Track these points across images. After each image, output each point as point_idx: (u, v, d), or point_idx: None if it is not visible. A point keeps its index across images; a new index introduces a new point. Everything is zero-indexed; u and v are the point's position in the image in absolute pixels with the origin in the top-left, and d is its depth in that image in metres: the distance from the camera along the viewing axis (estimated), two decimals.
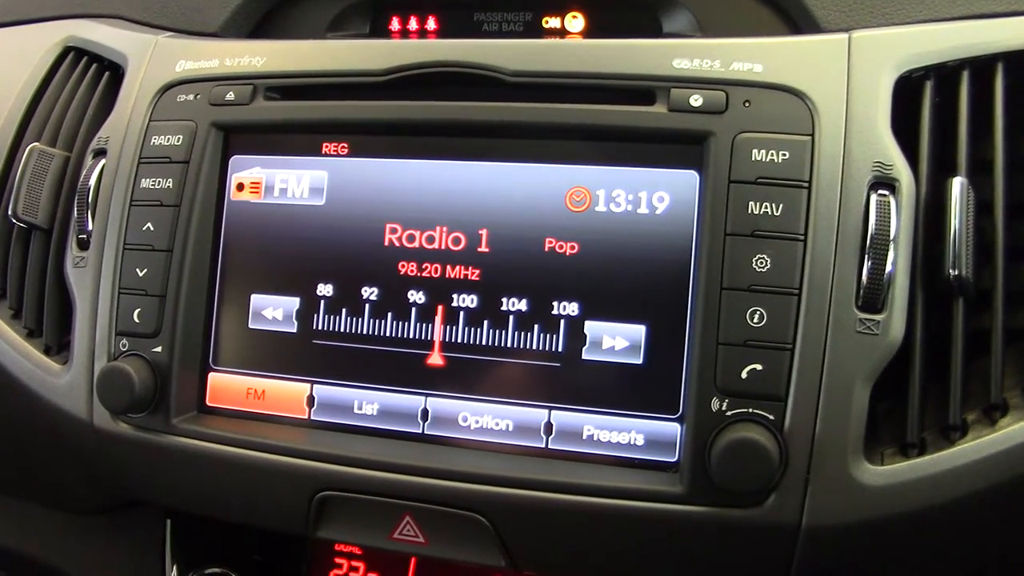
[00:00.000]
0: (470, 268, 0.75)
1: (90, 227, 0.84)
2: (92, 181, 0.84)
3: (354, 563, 0.93)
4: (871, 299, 0.66)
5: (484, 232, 0.75)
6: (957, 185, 0.67)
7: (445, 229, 0.76)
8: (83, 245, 0.85)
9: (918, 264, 0.68)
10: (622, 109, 0.73)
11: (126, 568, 1.00)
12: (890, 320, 0.66)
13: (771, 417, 0.66)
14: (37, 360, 0.86)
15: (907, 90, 0.71)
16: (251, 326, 0.81)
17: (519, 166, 0.75)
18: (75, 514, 1.02)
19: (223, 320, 0.82)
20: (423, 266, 0.77)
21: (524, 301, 0.74)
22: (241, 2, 0.94)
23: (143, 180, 0.82)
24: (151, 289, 0.80)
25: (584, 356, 0.73)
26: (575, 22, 0.91)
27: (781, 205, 0.68)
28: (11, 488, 1.02)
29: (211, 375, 0.82)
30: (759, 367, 0.67)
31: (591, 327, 0.73)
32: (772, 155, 0.69)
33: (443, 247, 0.76)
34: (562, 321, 0.73)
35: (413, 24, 0.94)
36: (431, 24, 0.93)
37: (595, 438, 0.73)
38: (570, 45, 0.79)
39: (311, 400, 0.80)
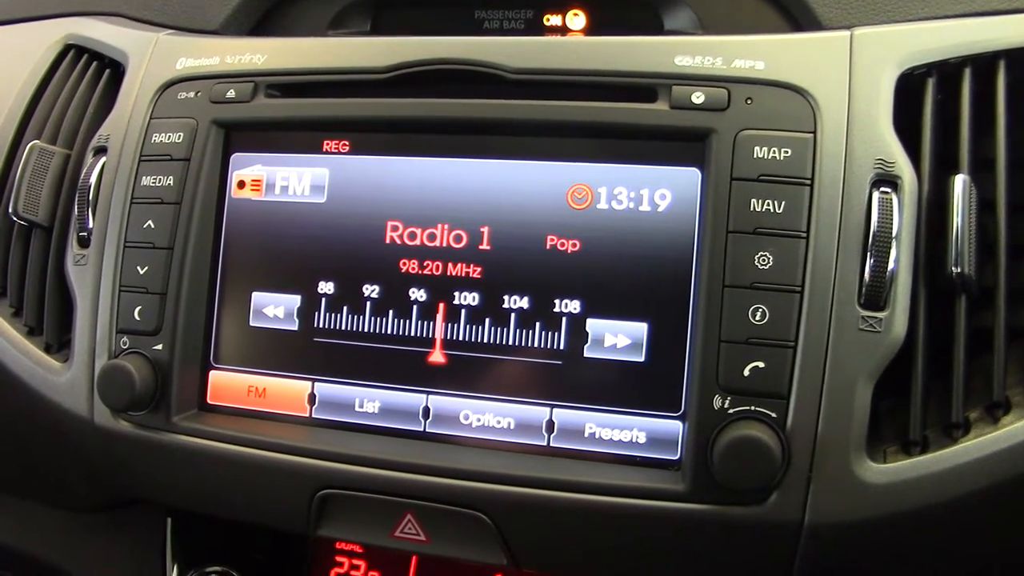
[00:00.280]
0: (471, 266, 0.75)
1: (91, 225, 0.84)
2: (93, 179, 0.84)
3: (355, 561, 0.93)
4: (873, 297, 0.66)
5: (486, 230, 0.75)
6: (959, 183, 0.67)
7: (447, 227, 0.76)
8: (84, 243, 0.85)
9: (920, 262, 0.68)
10: (624, 106, 0.73)
11: (127, 566, 1.00)
12: (892, 318, 0.66)
13: (773, 415, 0.66)
14: (38, 358, 0.86)
15: (909, 87, 0.71)
16: (252, 324, 0.81)
17: (520, 163, 0.75)
18: (76, 512, 1.02)
19: (224, 318, 0.82)
20: (424, 264, 0.76)
21: (526, 299, 0.74)
22: (242, 0, 0.94)
23: (144, 178, 0.82)
24: (152, 287, 0.80)
25: (586, 354, 0.73)
26: (576, 20, 0.91)
27: (783, 202, 0.68)
28: (12, 486, 1.02)
29: (212, 373, 0.82)
30: (761, 365, 0.67)
31: (593, 325, 0.73)
32: (774, 152, 0.69)
33: (444, 245, 0.76)
34: (564, 319, 0.73)
35: (413, 22, 0.94)
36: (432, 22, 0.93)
37: (597, 436, 0.72)
38: (572, 43, 0.79)
39: (312, 398, 0.79)
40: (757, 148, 0.69)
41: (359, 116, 0.79)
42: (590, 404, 0.73)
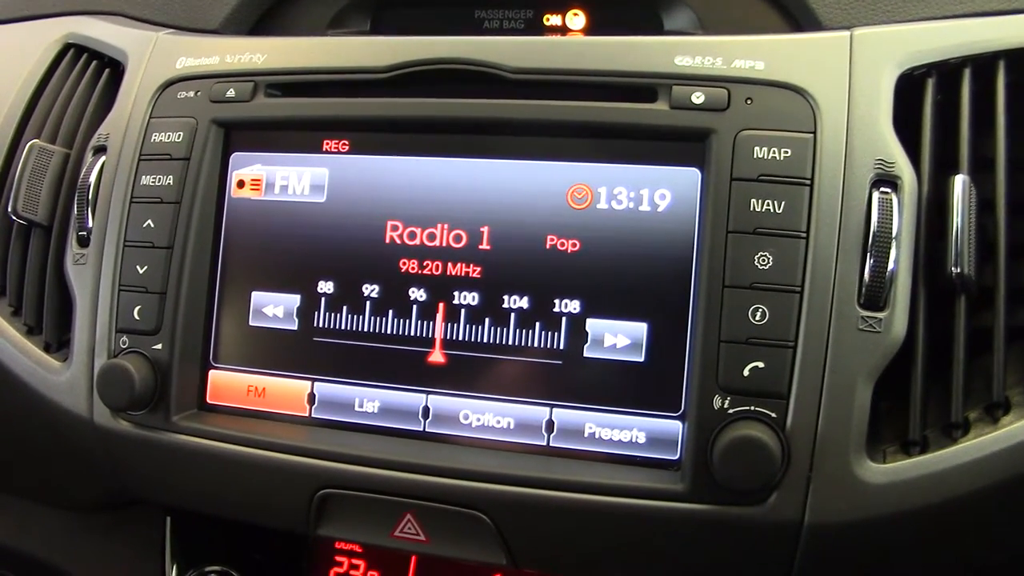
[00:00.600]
0: (471, 265, 0.75)
1: (90, 224, 0.84)
2: (92, 178, 0.84)
3: (355, 561, 0.93)
4: (873, 297, 0.66)
5: (486, 229, 0.75)
6: (959, 183, 0.67)
7: (446, 226, 0.76)
8: (83, 242, 0.84)
9: (920, 262, 0.68)
10: (624, 106, 0.73)
11: (126, 566, 1.00)
12: (892, 318, 0.66)
13: (773, 415, 0.66)
14: (37, 357, 0.86)
15: (909, 87, 0.71)
16: (252, 323, 0.81)
17: (520, 163, 0.75)
18: (75, 512, 1.02)
19: (223, 317, 0.81)
20: (424, 263, 0.76)
21: (525, 299, 0.74)
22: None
23: (143, 177, 0.82)
24: (151, 286, 0.80)
25: (586, 354, 0.73)
26: (576, 19, 0.91)
27: (783, 202, 0.68)
28: (11, 486, 1.02)
29: (211, 372, 0.82)
30: (761, 365, 0.67)
31: (593, 325, 0.73)
32: (774, 152, 0.69)
33: (444, 244, 0.76)
34: (564, 319, 0.73)
35: (413, 21, 0.94)
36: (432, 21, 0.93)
37: (597, 436, 0.72)
38: (572, 42, 0.79)
39: (312, 398, 0.79)
40: (757, 148, 0.69)
41: (359, 116, 0.79)
42: (590, 404, 0.73)
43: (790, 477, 0.66)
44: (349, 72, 0.80)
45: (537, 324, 0.74)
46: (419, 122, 0.78)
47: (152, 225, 0.81)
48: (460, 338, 0.75)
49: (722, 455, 0.65)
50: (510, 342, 0.74)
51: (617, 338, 0.72)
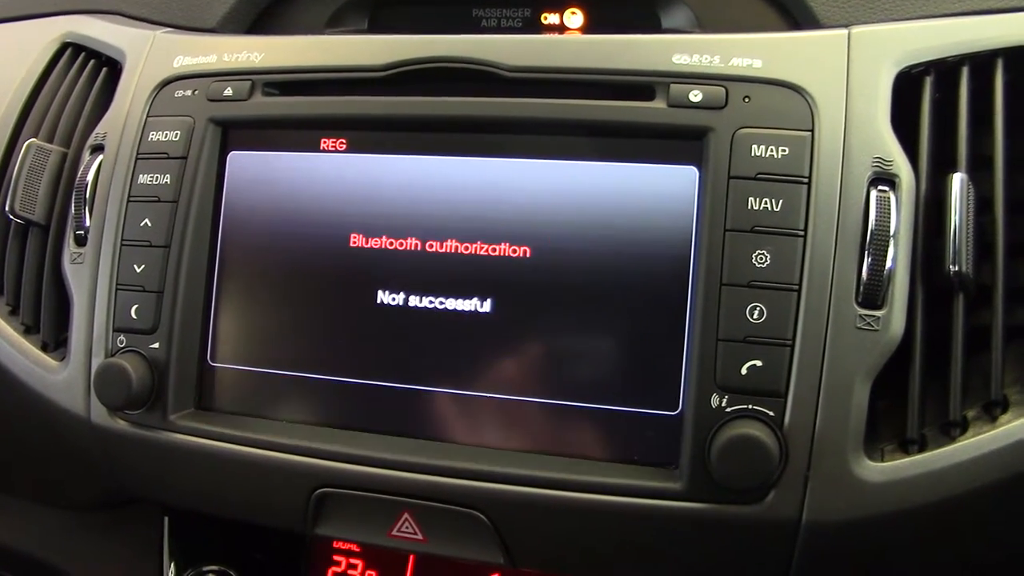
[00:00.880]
0: (471, 265, 0.75)
1: (87, 223, 0.84)
2: (90, 177, 0.84)
3: (352, 560, 0.93)
4: (871, 295, 0.66)
5: (485, 228, 0.75)
6: (957, 181, 0.67)
7: (445, 226, 0.76)
8: (80, 241, 0.84)
9: (918, 260, 0.68)
10: (621, 105, 0.73)
11: (124, 566, 1.00)
12: (890, 316, 0.66)
13: (771, 413, 0.66)
14: (34, 356, 0.86)
15: (907, 86, 0.71)
16: (249, 322, 0.80)
17: (518, 161, 0.75)
18: (73, 511, 1.02)
19: (221, 316, 0.81)
20: (423, 263, 0.76)
21: (523, 296, 0.74)
22: None
23: (141, 176, 0.82)
24: (149, 285, 0.80)
25: (583, 352, 0.72)
26: (574, 18, 0.91)
27: (781, 201, 0.68)
28: (8, 485, 1.02)
29: (209, 371, 0.82)
30: (759, 363, 0.67)
31: (591, 323, 0.72)
32: (772, 151, 0.69)
33: (445, 247, 0.76)
34: (561, 317, 0.73)
35: (411, 20, 0.94)
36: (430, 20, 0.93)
37: (594, 434, 0.72)
38: (569, 41, 0.79)
39: (310, 396, 0.79)
40: (755, 146, 0.69)
41: (356, 114, 0.79)
42: (587, 402, 0.72)
43: (788, 476, 0.66)
44: (347, 71, 0.80)
45: (536, 323, 0.73)
46: (416, 121, 0.78)
47: (149, 224, 0.81)
48: (458, 336, 0.75)
49: (720, 454, 0.65)
50: (509, 340, 0.74)
51: (614, 336, 0.72)
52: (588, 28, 0.91)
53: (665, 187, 0.72)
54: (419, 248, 0.76)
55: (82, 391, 0.83)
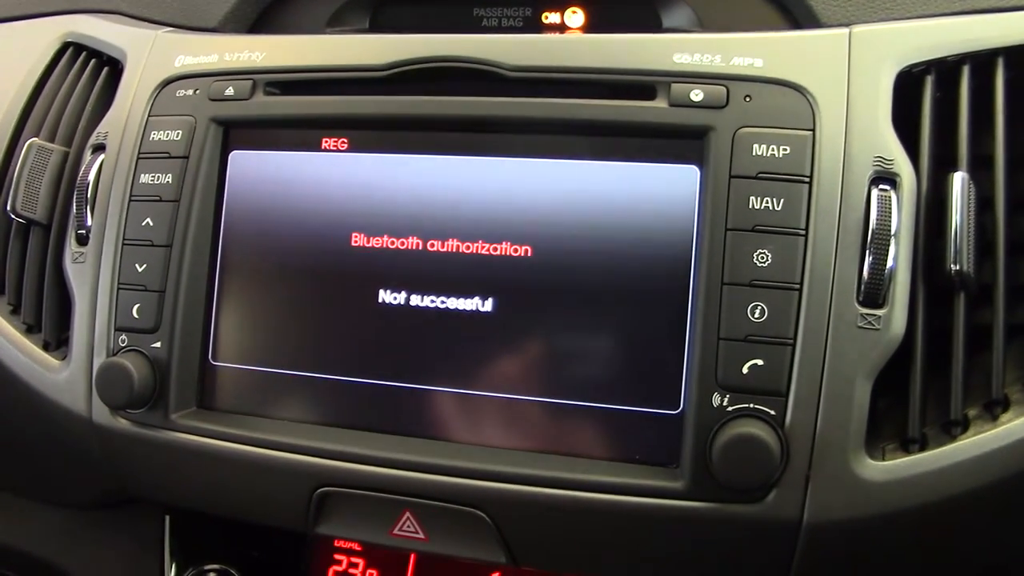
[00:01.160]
0: (471, 265, 0.75)
1: (89, 222, 0.84)
2: (91, 176, 0.84)
3: (354, 559, 0.93)
4: (872, 294, 0.66)
5: (485, 228, 0.75)
6: (958, 180, 0.67)
7: (446, 226, 0.76)
8: (82, 241, 0.84)
9: (919, 259, 0.68)
10: (623, 104, 0.73)
11: (125, 565, 1.00)
12: (891, 315, 0.66)
13: (772, 413, 0.66)
14: (36, 356, 0.86)
15: (908, 85, 0.71)
16: (251, 321, 0.80)
17: (519, 161, 0.75)
18: (74, 510, 1.02)
19: (222, 316, 0.81)
20: (423, 263, 0.76)
21: (523, 295, 0.74)
22: None
23: (142, 175, 0.82)
24: (150, 285, 0.80)
25: (584, 351, 0.73)
26: (575, 17, 0.91)
27: (782, 200, 0.68)
28: (10, 485, 1.02)
29: (210, 371, 0.82)
30: (760, 362, 0.67)
31: (592, 322, 0.72)
32: (773, 150, 0.69)
33: (447, 246, 0.76)
34: (561, 316, 0.73)
35: (412, 19, 0.94)
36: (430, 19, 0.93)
37: (595, 433, 0.72)
38: (570, 40, 0.79)
39: (311, 396, 0.79)
40: (756, 146, 0.69)
41: (357, 114, 0.79)
42: (588, 401, 0.72)
43: (789, 475, 0.66)
44: (348, 70, 0.80)
45: (537, 322, 0.73)
46: (418, 120, 0.78)
47: (151, 223, 0.81)
48: (460, 336, 0.75)
49: (721, 453, 0.65)
50: (510, 340, 0.74)
51: (615, 335, 0.72)
52: (589, 27, 0.91)
53: (666, 186, 0.72)
54: (420, 247, 0.76)
55: (84, 390, 0.83)
